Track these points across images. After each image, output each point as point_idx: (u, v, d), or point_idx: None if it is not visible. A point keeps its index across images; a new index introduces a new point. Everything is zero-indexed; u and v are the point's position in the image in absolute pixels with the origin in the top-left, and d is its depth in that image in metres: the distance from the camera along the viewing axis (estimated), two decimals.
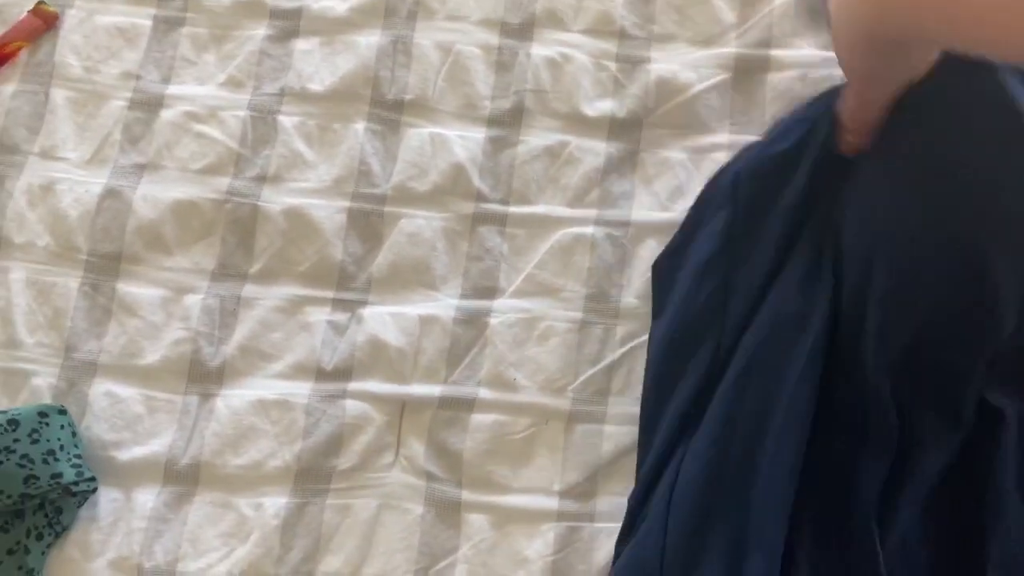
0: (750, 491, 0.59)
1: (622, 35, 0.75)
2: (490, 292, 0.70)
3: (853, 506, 0.58)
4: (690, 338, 0.63)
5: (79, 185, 0.71)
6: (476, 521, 0.65)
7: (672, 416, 0.62)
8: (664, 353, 0.64)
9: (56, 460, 0.62)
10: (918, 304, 0.55)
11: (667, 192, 0.71)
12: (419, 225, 0.71)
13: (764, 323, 0.61)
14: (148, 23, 0.76)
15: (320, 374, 0.68)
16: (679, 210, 0.69)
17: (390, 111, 0.73)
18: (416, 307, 0.69)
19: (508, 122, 0.73)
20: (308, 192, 0.71)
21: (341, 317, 0.69)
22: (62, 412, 0.64)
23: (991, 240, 0.53)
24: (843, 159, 0.60)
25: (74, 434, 0.64)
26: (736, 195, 0.64)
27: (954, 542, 0.58)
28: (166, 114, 0.74)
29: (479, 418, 0.67)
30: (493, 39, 0.75)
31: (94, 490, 0.63)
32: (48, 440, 0.62)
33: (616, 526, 0.62)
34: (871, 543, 0.57)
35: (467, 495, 0.65)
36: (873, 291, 0.56)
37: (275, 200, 0.71)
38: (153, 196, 0.71)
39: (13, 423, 0.62)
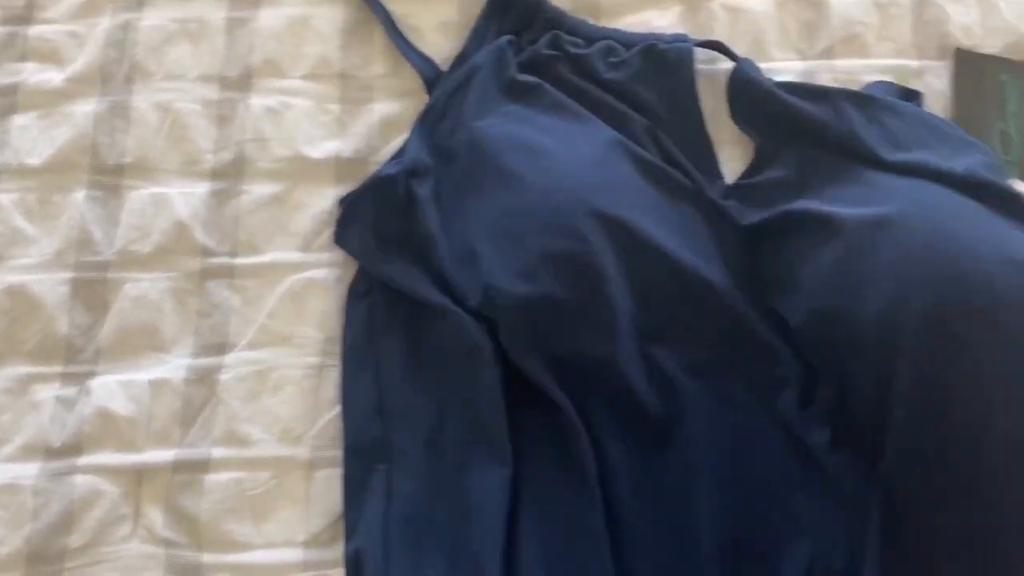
0: (463, 517, 0.59)
1: (343, 77, 0.75)
2: (221, 348, 0.68)
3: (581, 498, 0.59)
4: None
5: None
6: None
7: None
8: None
9: None
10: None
11: None
12: (144, 288, 0.69)
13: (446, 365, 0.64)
14: None
15: (48, 453, 0.66)
16: None
17: (110, 176, 0.72)
18: (146, 372, 0.68)
19: (230, 174, 0.72)
20: (29, 268, 0.70)
21: (70, 391, 0.67)
22: None
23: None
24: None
25: None
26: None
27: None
28: None
29: (215, 478, 0.65)
30: (212, 94, 0.74)
31: None
32: None
33: None
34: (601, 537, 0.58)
35: (208, 557, 0.63)
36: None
37: None
38: None
39: None
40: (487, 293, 0.61)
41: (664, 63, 0.70)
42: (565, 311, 0.60)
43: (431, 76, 0.73)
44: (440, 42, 0.75)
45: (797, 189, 0.65)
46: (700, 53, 0.72)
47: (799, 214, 0.62)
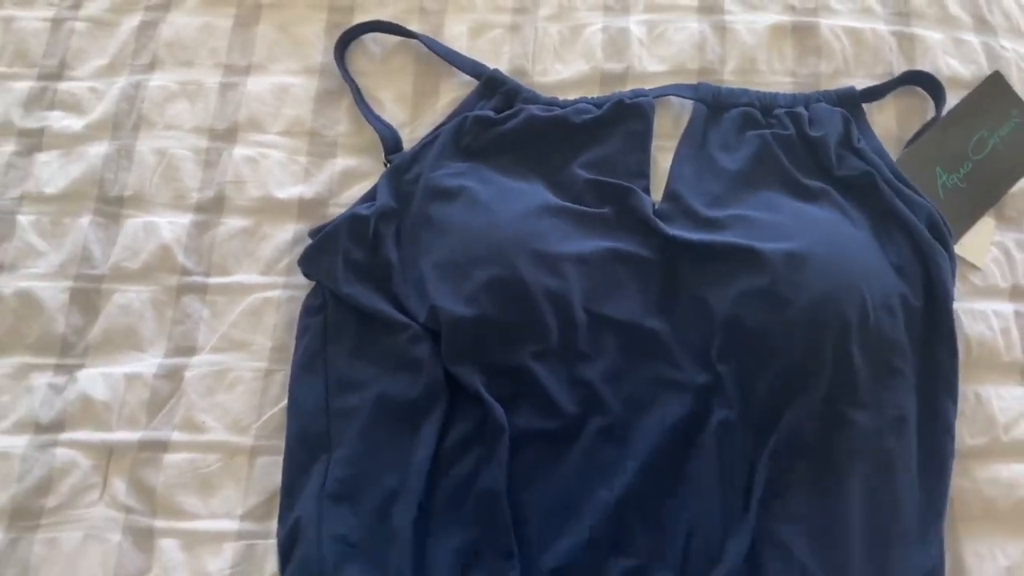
0: (387, 497, 0.72)
1: (312, 135, 0.90)
2: (190, 351, 0.82)
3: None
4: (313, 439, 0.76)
5: None
6: (166, 545, 0.75)
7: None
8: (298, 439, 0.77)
9: None
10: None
11: None
12: (130, 298, 0.83)
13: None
14: None
15: (37, 428, 0.79)
16: None
17: (112, 206, 0.87)
18: (123, 367, 0.81)
19: (211, 208, 0.87)
20: (37, 276, 0.84)
21: (60, 379, 0.80)
22: None
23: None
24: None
25: None
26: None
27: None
28: None
29: (172, 457, 0.78)
30: (203, 143, 0.89)
31: None
32: None
33: None
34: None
35: (159, 523, 0.75)
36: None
37: (9, 285, 0.83)
38: None
39: None
40: (432, 311, 0.74)
41: (629, 110, 0.85)
42: (500, 329, 0.74)
43: (389, 137, 0.87)
44: (396, 111, 0.90)
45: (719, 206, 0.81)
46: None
47: (727, 245, 0.76)
